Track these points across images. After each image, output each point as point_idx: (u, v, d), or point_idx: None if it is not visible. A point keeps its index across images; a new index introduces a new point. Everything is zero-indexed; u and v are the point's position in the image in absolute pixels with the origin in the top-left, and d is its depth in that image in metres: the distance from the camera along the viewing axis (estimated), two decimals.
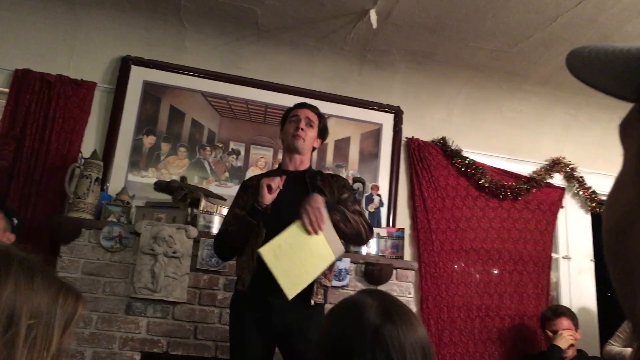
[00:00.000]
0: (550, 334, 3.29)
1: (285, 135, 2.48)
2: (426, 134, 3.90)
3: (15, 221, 2.63)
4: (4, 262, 0.79)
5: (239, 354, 2.22)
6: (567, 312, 3.37)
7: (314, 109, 2.53)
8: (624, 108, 0.41)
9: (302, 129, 2.41)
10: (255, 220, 2.19)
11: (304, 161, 2.46)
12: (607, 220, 0.41)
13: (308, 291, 2.18)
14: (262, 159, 3.61)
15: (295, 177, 2.39)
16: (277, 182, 2.21)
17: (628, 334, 3.34)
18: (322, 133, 2.53)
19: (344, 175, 3.68)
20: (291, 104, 3.63)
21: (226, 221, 2.39)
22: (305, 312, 2.18)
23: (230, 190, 3.48)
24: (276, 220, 2.19)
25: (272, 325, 2.16)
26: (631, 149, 0.39)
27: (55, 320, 0.80)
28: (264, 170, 3.56)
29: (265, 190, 2.19)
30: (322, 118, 2.53)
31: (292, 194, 2.29)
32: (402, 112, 3.88)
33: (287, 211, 2.20)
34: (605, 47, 0.39)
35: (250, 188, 2.39)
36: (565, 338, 3.22)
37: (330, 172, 2.63)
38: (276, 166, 2.69)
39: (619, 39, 3.25)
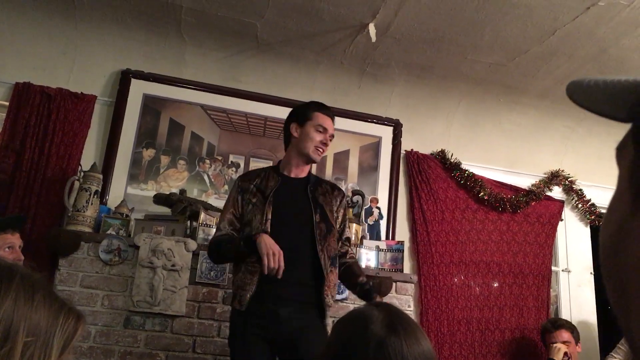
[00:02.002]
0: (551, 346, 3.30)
1: (306, 140, 2.32)
2: (425, 147, 3.90)
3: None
4: (6, 277, 0.79)
5: None
6: (567, 325, 3.37)
7: (333, 117, 2.44)
8: (623, 124, 0.42)
9: (327, 146, 2.36)
10: (249, 250, 2.10)
11: (305, 168, 2.40)
12: (602, 238, 0.42)
13: (320, 307, 2.20)
14: None
15: (295, 186, 2.32)
16: (278, 262, 2.04)
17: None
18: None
19: (342, 188, 3.68)
20: None
21: (221, 227, 2.28)
22: (312, 322, 2.17)
23: None
24: (276, 236, 2.10)
25: (278, 332, 2.11)
26: (624, 168, 0.41)
27: (54, 340, 0.79)
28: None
29: (268, 258, 2.01)
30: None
31: (294, 209, 2.28)
32: (401, 125, 3.89)
33: (289, 227, 2.21)
34: (602, 77, 0.42)
35: (247, 193, 2.28)
36: (559, 348, 3.23)
37: (330, 182, 2.53)
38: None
39: (615, 52, 3.28)
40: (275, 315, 2.13)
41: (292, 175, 2.35)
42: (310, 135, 2.33)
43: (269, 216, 2.21)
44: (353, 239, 2.44)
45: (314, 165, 3.64)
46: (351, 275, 2.33)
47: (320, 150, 2.33)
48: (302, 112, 2.40)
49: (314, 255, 2.21)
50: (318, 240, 2.23)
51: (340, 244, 2.38)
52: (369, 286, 2.29)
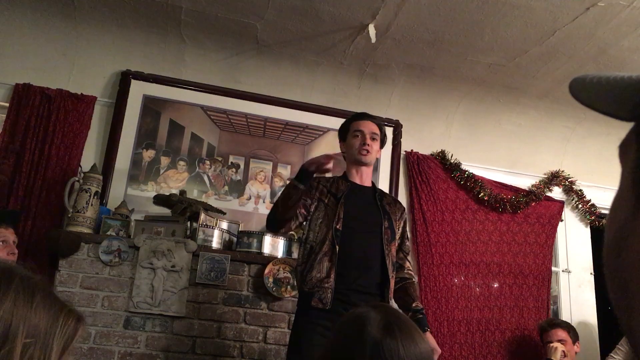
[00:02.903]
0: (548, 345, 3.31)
1: (350, 149, 2.48)
2: (425, 148, 3.90)
3: None
4: (5, 278, 0.79)
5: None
6: (563, 324, 3.38)
7: (374, 119, 2.55)
8: (626, 123, 0.42)
9: (368, 144, 2.44)
10: (303, 184, 2.24)
11: (368, 175, 2.51)
12: (606, 237, 0.42)
13: None
14: (261, 173, 3.61)
15: (363, 192, 2.45)
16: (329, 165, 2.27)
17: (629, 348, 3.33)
18: (382, 142, 2.57)
19: None
20: (291, 118, 3.69)
21: None
22: None
23: (230, 203, 3.48)
24: (348, 237, 2.26)
25: None
26: (627, 168, 0.41)
27: (53, 341, 0.79)
28: (264, 184, 3.57)
29: (322, 164, 2.23)
30: (382, 127, 2.55)
31: (364, 212, 2.38)
32: (401, 125, 3.89)
33: (360, 228, 2.32)
34: (605, 74, 0.42)
35: (317, 191, 2.39)
36: (556, 347, 3.23)
37: (392, 196, 2.68)
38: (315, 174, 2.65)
39: (615, 53, 3.28)
40: None
41: (358, 182, 2.47)
42: (351, 144, 2.48)
43: (342, 215, 2.31)
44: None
45: None
46: (406, 296, 2.43)
47: (364, 150, 2.45)
48: (342, 129, 2.58)
49: (381, 259, 2.32)
50: (385, 244, 2.35)
51: (400, 254, 2.49)
52: (422, 315, 2.37)
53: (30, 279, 0.82)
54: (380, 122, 2.58)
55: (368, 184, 2.51)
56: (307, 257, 2.31)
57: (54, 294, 0.85)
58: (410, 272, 2.51)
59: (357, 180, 2.46)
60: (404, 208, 2.61)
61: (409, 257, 2.53)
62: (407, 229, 2.62)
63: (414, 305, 2.39)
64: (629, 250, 0.38)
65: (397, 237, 2.47)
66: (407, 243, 2.56)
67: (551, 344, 3.26)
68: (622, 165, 0.42)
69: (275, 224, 2.36)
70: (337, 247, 2.24)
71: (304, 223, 2.38)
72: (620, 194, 0.41)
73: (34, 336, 0.77)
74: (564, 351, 3.24)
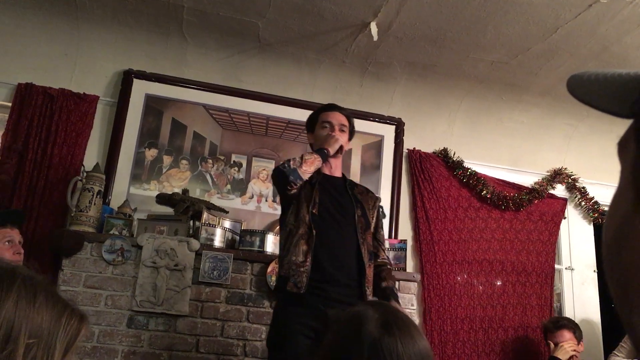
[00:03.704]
0: (552, 345, 3.28)
1: (318, 140, 2.45)
2: (427, 146, 3.90)
3: None
4: (8, 279, 0.79)
5: (295, 351, 2.12)
6: (569, 325, 3.34)
7: (343, 111, 2.52)
8: (625, 120, 0.42)
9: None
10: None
11: (337, 165, 2.48)
12: (605, 234, 0.42)
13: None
14: (263, 171, 3.62)
15: (334, 182, 2.44)
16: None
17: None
18: (351, 134, 2.55)
19: None
20: (293, 117, 3.69)
21: None
22: None
23: (232, 202, 3.48)
24: (324, 223, 2.26)
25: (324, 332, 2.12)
26: (626, 165, 0.41)
27: (56, 341, 0.79)
28: (266, 183, 3.57)
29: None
30: (350, 119, 2.53)
31: (337, 202, 2.37)
32: (403, 123, 3.88)
33: (334, 217, 2.31)
34: (603, 71, 0.41)
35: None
36: (566, 349, 3.20)
37: (364, 186, 2.64)
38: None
39: (618, 50, 3.27)
40: (324, 317, 2.11)
41: (327, 173, 2.44)
42: (319, 134, 2.46)
43: (317, 200, 2.31)
44: (387, 244, 2.53)
45: None
46: (378, 279, 2.41)
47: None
48: (310, 121, 2.56)
49: (357, 248, 2.31)
50: (360, 233, 2.33)
51: (374, 243, 2.46)
52: (390, 292, 2.35)
53: (32, 279, 0.82)
54: (349, 114, 2.56)
55: (338, 174, 2.49)
56: (285, 240, 2.29)
57: (57, 294, 0.85)
58: (384, 260, 2.48)
59: (327, 171, 2.43)
60: (377, 198, 2.59)
61: (383, 247, 2.52)
62: (382, 218, 2.62)
63: (383, 284, 2.37)
64: (629, 247, 0.38)
65: (372, 226, 2.46)
66: (381, 232, 2.54)
67: (562, 344, 3.22)
68: (621, 163, 0.42)
69: (294, 175, 2.24)
70: (314, 231, 2.23)
71: (294, 199, 2.31)
72: (620, 191, 0.41)
73: (37, 336, 0.77)
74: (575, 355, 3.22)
